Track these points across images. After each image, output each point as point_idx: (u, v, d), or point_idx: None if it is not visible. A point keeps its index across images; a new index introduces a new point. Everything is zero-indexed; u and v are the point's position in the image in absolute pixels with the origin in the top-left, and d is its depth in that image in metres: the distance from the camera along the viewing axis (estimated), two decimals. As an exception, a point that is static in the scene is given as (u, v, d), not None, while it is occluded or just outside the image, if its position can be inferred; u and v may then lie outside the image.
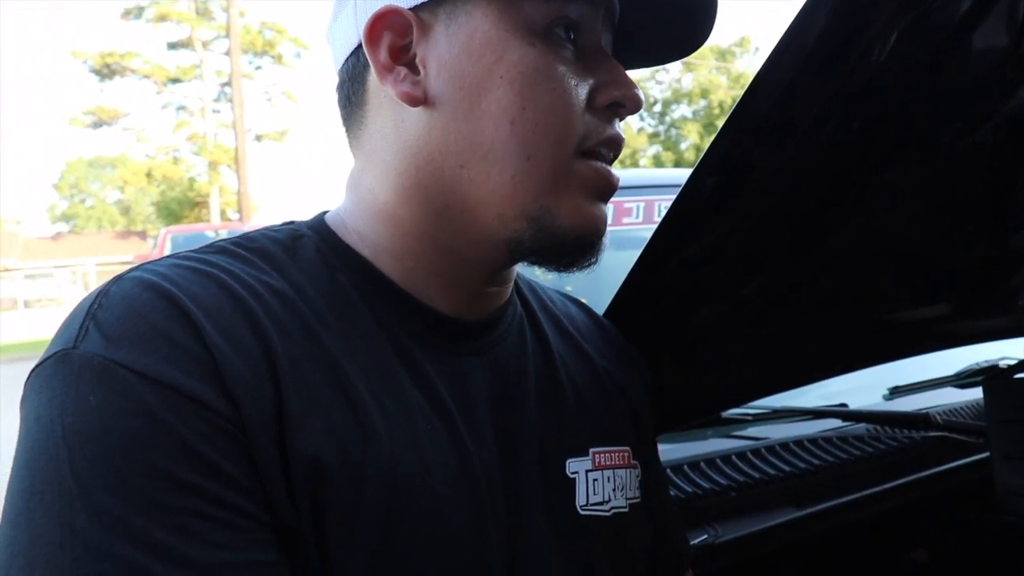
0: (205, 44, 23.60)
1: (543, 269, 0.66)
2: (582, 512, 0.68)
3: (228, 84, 21.26)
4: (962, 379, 1.74)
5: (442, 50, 0.61)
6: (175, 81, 23.84)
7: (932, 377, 1.76)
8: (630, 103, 0.63)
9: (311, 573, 0.52)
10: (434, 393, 0.62)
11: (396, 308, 0.63)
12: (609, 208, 0.67)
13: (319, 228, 0.66)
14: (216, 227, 14.21)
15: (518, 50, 0.60)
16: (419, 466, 0.57)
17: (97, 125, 24.42)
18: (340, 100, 0.69)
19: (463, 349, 0.66)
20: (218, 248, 0.60)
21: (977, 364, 1.77)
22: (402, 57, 0.63)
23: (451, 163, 0.61)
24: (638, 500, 0.74)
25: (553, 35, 0.61)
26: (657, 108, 24.79)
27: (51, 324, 22.46)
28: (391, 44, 0.62)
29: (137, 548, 0.45)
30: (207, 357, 0.51)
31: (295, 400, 0.53)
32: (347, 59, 0.67)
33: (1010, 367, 1.49)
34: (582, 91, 0.62)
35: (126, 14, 22.96)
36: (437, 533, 0.57)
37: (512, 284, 0.72)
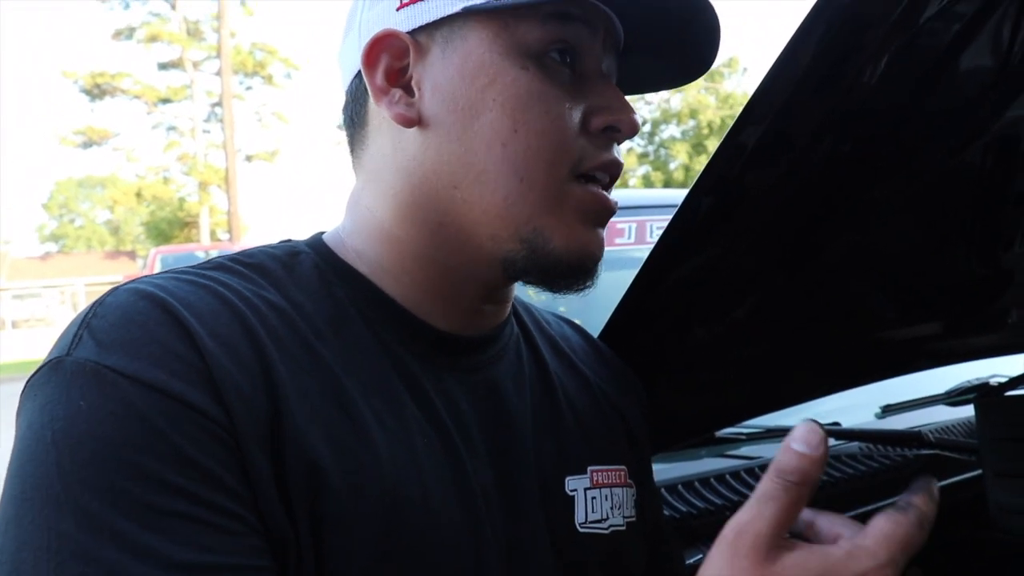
0: (196, 64, 23.66)
1: (538, 290, 0.66)
2: (581, 530, 0.69)
3: (219, 104, 21.31)
4: (953, 397, 1.74)
5: (437, 72, 0.62)
6: (165, 101, 23.88)
7: (924, 395, 1.76)
8: (625, 127, 0.64)
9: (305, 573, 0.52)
10: (431, 409, 0.62)
11: (394, 324, 0.64)
12: None
13: (317, 246, 0.67)
14: (206, 247, 14.19)
15: (511, 73, 0.60)
16: (417, 482, 0.57)
17: (87, 145, 24.41)
18: (345, 121, 0.70)
19: (460, 366, 0.66)
20: (216, 264, 0.61)
21: (968, 382, 1.77)
22: (399, 79, 0.63)
23: (445, 183, 0.62)
24: (634, 519, 0.74)
25: (548, 59, 0.61)
26: (646, 128, 24.91)
27: (39, 345, 22.32)
28: (388, 67, 0.63)
29: (122, 551, 0.45)
30: (200, 363, 0.51)
31: (292, 412, 0.53)
32: (352, 81, 0.68)
33: (1001, 385, 1.49)
34: (576, 115, 0.62)
35: (117, 34, 23.03)
36: (434, 549, 0.57)
37: (510, 303, 0.73)
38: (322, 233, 0.70)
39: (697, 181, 0.77)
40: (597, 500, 0.71)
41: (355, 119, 0.69)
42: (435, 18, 0.61)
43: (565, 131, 0.61)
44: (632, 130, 0.64)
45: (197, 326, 0.52)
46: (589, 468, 0.72)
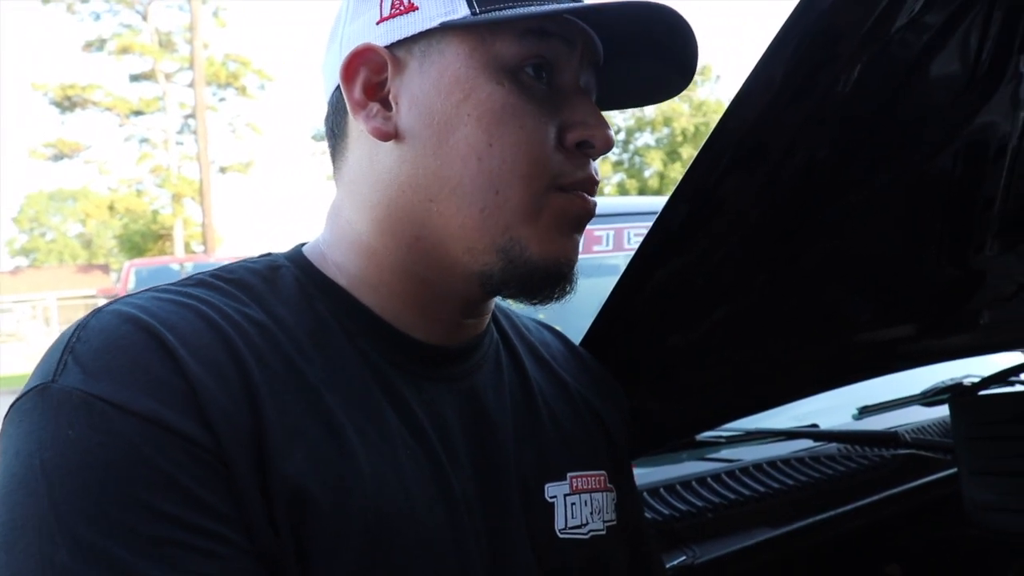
0: (168, 76, 23.48)
1: (517, 302, 0.67)
2: (561, 535, 0.69)
3: (192, 116, 21.17)
4: (928, 397, 1.78)
5: (414, 87, 0.63)
6: (138, 113, 23.65)
7: (899, 396, 1.79)
8: (599, 143, 0.64)
9: None
10: (413, 420, 0.63)
11: (374, 336, 0.64)
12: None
13: (297, 259, 0.67)
14: (181, 260, 14.05)
15: (486, 88, 0.61)
16: (401, 495, 0.58)
17: (58, 158, 24.13)
18: (327, 131, 0.71)
19: (441, 376, 0.67)
20: (197, 281, 0.61)
21: (943, 382, 1.80)
22: (377, 93, 0.64)
23: (421, 197, 0.63)
24: (615, 523, 0.75)
25: (524, 74, 0.62)
26: (620, 136, 25.01)
27: (10, 360, 22.02)
28: (366, 81, 0.64)
29: (114, 574, 0.46)
30: (186, 388, 0.51)
31: (275, 429, 0.54)
32: (333, 92, 0.69)
33: (974, 384, 1.52)
34: (551, 130, 0.63)
35: (87, 46, 22.81)
36: (419, 563, 0.58)
37: (490, 315, 0.73)
38: (302, 245, 0.71)
39: (676, 189, 0.78)
40: (576, 506, 0.72)
41: (335, 130, 0.69)
42: (413, 33, 0.62)
43: (540, 145, 0.62)
44: (606, 146, 0.64)
45: (181, 349, 0.53)
46: (568, 474, 0.72)
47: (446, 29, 0.61)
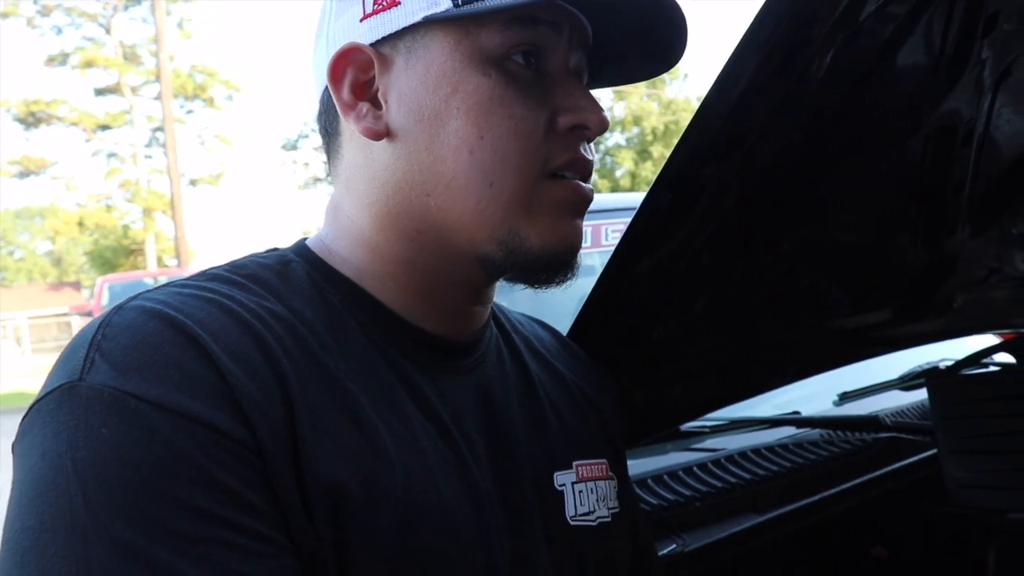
0: (134, 90, 23.28)
1: (519, 285, 0.67)
2: (572, 522, 0.70)
3: (160, 129, 20.98)
4: (907, 382, 1.80)
5: (402, 84, 0.63)
6: (104, 128, 23.42)
7: (878, 382, 1.82)
8: (593, 125, 0.64)
9: None
10: (432, 411, 0.63)
11: (386, 328, 0.64)
12: None
13: (304, 253, 0.67)
14: (154, 274, 13.94)
15: (473, 80, 0.61)
16: (429, 484, 0.58)
17: (24, 175, 23.84)
18: (320, 129, 0.71)
19: (452, 368, 0.67)
20: (212, 275, 0.60)
21: (920, 367, 1.84)
22: (366, 92, 0.64)
23: (418, 192, 0.63)
24: (618, 510, 0.76)
25: (511, 63, 0.62)
26: (590, 136, 25.09)
27: (-18, 382, 21.67)
28: (354, 80, 0.64)
29: (155, 574, 0.45)
30: (220, 383, 0.51)
31: (306, 423, 0.53)
32: (323, 91, 0.68)
33: (950, 367, 1.55)
34: (541, 116, 0.63)
35: (50, 60, 22.56)
36: (449, 547, 0.58)
37: (491, 305, 0.74)
38: (304, 240, 0.71)
39: (656, 178, 0.79)
40: (584, 493, 0.72)
41: (328, 128, 0.69)
42: (397, 28, 0.62)
43: (531, 134, 0.62)
44: (601, 127, 0.64)
45: (212, 344, 0.52)
46: (574, 463, 0.73)
47: (430, 23, 0.61)
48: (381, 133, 0.63)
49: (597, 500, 0.74)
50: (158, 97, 19.21)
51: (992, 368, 1.69)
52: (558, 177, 0.64)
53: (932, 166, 1.13)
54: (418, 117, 0.62)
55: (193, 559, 0.46)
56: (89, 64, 22.33)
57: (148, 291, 0.57)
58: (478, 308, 0.70)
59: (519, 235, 0.63)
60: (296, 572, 0.50)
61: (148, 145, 24.11)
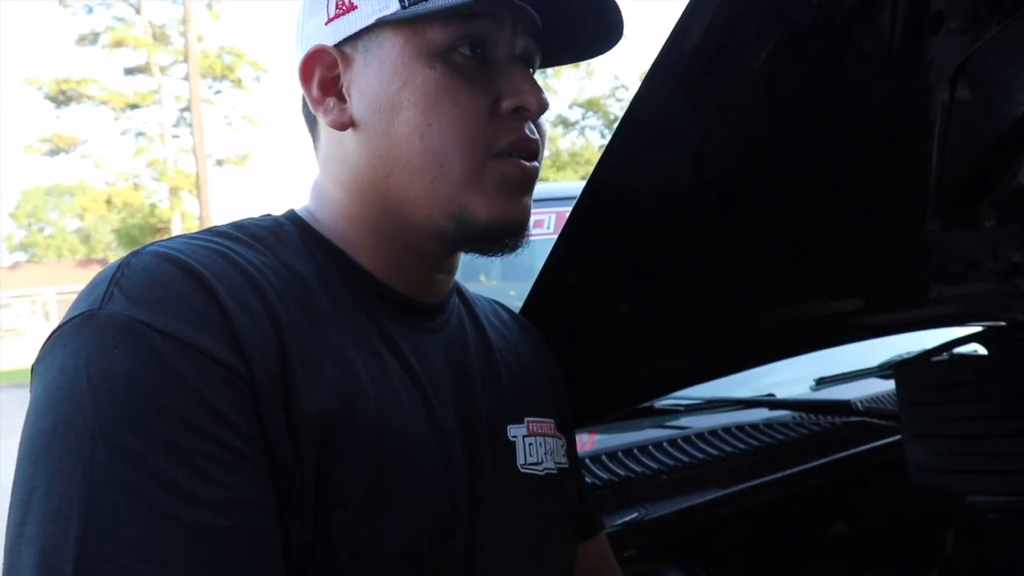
0: (163, 69, 23.45)
1: (476, 255, 0.75)
2: (521, 470, 0.78)
3: (187, 109, 21.15)
4: (883, 370, 1.85)
5: (361, 79, 0.71)
6: (133, 107, 23.64)
7: (856, 369, 1.86)
8: (532, 106, 0.71)
9: (306, 504, 0.59)
10: (405, 361, 0.71)
11: (366, 287, 0.73)
12: None
13: (295, 219, 0.75)
14: (177, 252, 14.04)
15: (420, 73, 0.68)
16: (400, 416, 0.66)
17: (54, 152, 24.15)
18: (304, 119, 0.79)
19: (423, 327, 0.76)
20: (217, 232, 0.68)
21: (899, 356, 1.88)
22: (333, 88, 0.73)
23: (381, 174, 0.71)
24: (565, 466, 0.84)
25: (456, 54, 0.69)
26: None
27: (10, 355, 22.09)
28: (322, 78, 0.73)
29: (152, 481, 0.51)
30: (222, 321, 0.58)
31: (296, 361, 0.61)
32: None
33: (917, 355, 1.59)
34: (485, 101, 0.70)
35: (81, 40, 22.79)
36: (415, 472, 0.66)
37: (455, 274, 0.82)
38: (293, 210, 0.79)
39: (600, 160, 0.85)
40: (533, 446, 0.80)
41: (308, 119, 0.78)
42: (355, 30, 0.70)
43: (475, 118, 0.69)
44: (539, 108, 0.71)
45: (217, 287, 0.59)
46: (526, 418, 0.82)
47: (382, 24, 0.69)
48: (346, 124, 0.72)
49: (545, 453, 0.81)
50: (186, 77, 19.38)
51: (960, 357, 1.73)
52: (503, 156, 0.71)
53: (890, 157, 1.17)
54: (376, 108, 0.70)
55: (184, 467, 0.53)
56: (119, 44, 22.52)
57: (161, 240, 0.64)
58: (442, 276, 0.78)
59: (468, 209, 0.70)
60: (268, 490, 0.57)
61: (176, 125, 24.32)
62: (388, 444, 0.64)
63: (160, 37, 22.95)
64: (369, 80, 0.70)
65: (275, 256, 0.68)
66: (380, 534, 0.62)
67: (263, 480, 0.57)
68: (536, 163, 0.74)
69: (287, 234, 0.72)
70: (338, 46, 0.71)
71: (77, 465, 0.51)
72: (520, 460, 0.79)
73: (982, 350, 1.65)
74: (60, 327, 0.58)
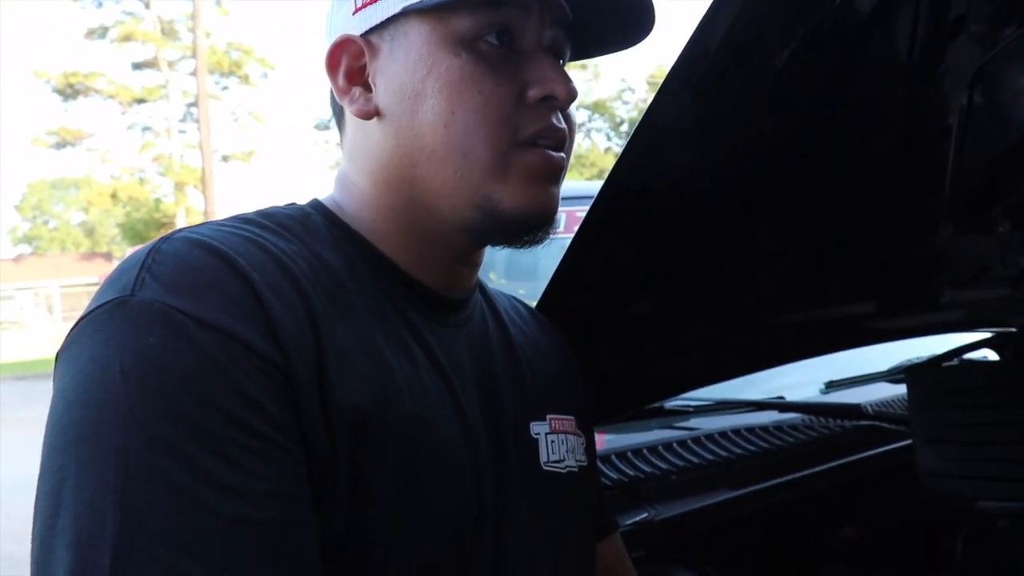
0: (171, 64, 23.49)
1: (503, 247, 0.74)
2: (544, 468, 0.78)
3: (194, 104, 21.19)
4: (894, 374, 1.84)
5: (387, 68, 0.70)
6: (140, 101, 23.67)
7: (867, 373, 1.86)
8: (561, 95, 0.70)
9: (339, 496, 0.58)
10: (432, 354, 0.71)
11: (392, 279, 0.72)
12: None
13: (320, 208, 0.75)
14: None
15: (445, 61, 0.68)
16: (429, 412, 0.66)
17: (60, 146, 24.20)
18: (332, 108, 0.79)
19: (447, 321, 0.75)
20: (245, 219, 0.67)
21: (910, 360, 1.87)
22: (359, 78, 0.72)
23: (406, 164, 0.71)
24: (585, 463, 0.84)
25: (482, 42, 0.68)
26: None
27: (12, 347, 22.11)
28: (348, 67, 0.72)
29: (184, 470, 0.51)
30: (258, 308, 0.57)
31: (332, 352, 0.60)
32: None
33: (929, 360, 1.59)
34: (511, 90, 0.69)
35: (90, 34, 22.84)
36: (445, 468, 0.65)
37: (479, 269, 0.81)
38: (318, 199, 0.78)
39: (619, 158, 0.84)
40: (556, 444, 0.80)
41: (335, 109, 0.78)
42: (382, 19, 0.69)
43: (500, 107, 0.68)
44: (569, 97, 0.70)
45: (253, 274, 0.58)
46: (548, 416, 0.81)
47: (408, 13, 0.69)
48: (371, 113, 0.71)
49: (567, 451, 0.81)
50: (194, 72, 19.42)
51: (971, 362, 1.73)
52: (529, 146, 0.71)
53: (906, 163, 1.17)
54: (400, 97, 0.69)
55: (215, 455, 0.52)
56: (127, 38, 22.57)
57: (190, 227, 0.64)
58: (467, 269, 0.78)
59: (492, 199, 0.69)
60: (303, 481, 0.56)
61: (183, 120, 24.34)
62: (420, 440, 0.64)
63: (168, 32, 22.98)
64: (395, 69, 0.70)
65: (304, 245, 0.67)
66: (411, 529, 0.62)
67: (299, 470, 0.56)
68: (563, 154, 0.73)
69: (314, 223, 0.71)
70: (365, 35, 0.71)
71: (110, 455, 0.51)
72: (543, 458, 0.78)
73: (993, 355, 1.64)
74: (89, 313, 0.57)
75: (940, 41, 0.97)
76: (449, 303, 0.76)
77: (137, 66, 23.70)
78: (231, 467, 0.52)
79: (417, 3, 0.68)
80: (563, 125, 0.72)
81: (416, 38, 0.69)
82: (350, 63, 0.72)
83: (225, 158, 24.44)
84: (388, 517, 0.60)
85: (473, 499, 0.68)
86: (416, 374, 0.67)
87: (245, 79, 24.01)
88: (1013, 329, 1.78)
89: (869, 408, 1.60)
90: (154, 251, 0.59)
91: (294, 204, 0.75)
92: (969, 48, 1.00)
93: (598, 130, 25.11)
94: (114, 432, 0.51)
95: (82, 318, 0.57)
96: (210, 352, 0.54)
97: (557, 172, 0.73)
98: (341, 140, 0.78)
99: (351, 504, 0.59)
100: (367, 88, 0.72)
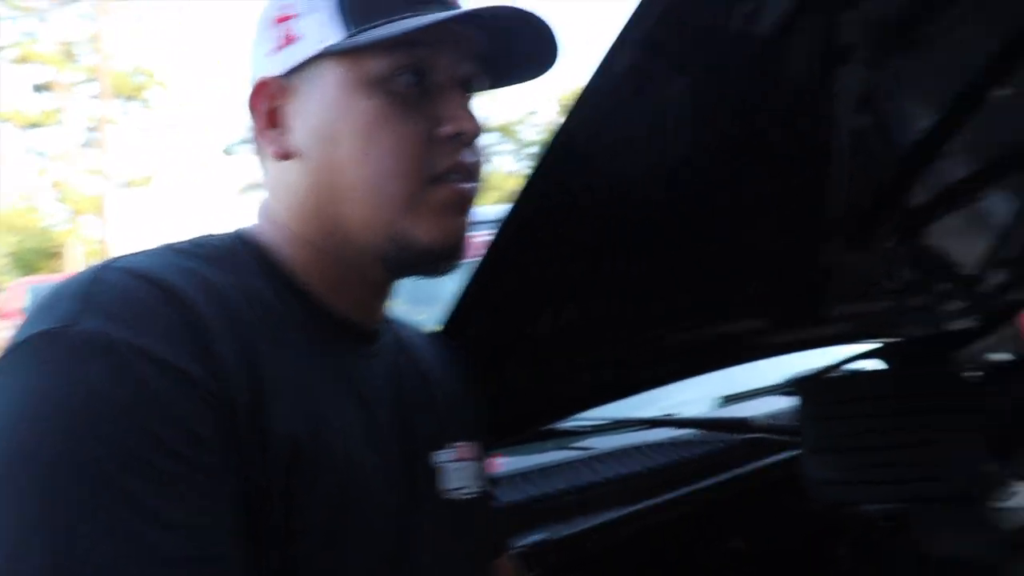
0: (70, 88, 22.69)
1: (419, 278, 0.76)
2: (452, 495, 0.79)
3: (94, 129, 20.51)
4: (785, 387, 1.89)
5: (304, 110, 0.71)
6: (35, 126, 22.76)
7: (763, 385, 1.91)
8: (467, 132, 0.72)
9: (274, 529, 0.59)
10: (353, 388, 0.72)
11: (313, 311, 0.72)
12: None
13: (247, 240, 0.74)
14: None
15: (359, 104, 0.69)
16: (355, 446, 0.68)
17: (-52, 172, 23.02)
18: (254, 143, 0.78)
19: (365, 352, 0.76)
20: (176, 249, 0.67)
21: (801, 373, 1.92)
22: (277, 119, 0.73)
23: (324, 201, 0.71)
24: (484, 490, 0.86)
25: (396, 82, 0.69)
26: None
27: None
28: (268, 109, 0.73)
29: (127, 505, 0.50)
30: (198, 339, 0.57)
31: (269, 383, 0.61)
32: None
33: (817, 371, 1.63)
34: (425, 127, 0.70)
35: (-18, 56, 21.88)
36: (370, 502, 0.67)
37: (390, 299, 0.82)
38: (241, 230, 0.77)
39: (525, 184, 0.86)
40: (459, 471, 0.81)
41: (257, 143, 0.77)
42: (298, 62, 0.70)
43: (413, 146, 0.70)
44: (472, 133, 0.72)
45: (195, 306, 0.59)
46: (457, 443, 0.83)
47: (324, 55, 0.69)
48: (289, 154, 0.72)
49: (470, 478, 0.83)
50: (96, 96, 18.81)
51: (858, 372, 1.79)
52: (441, 181, 0.72)
53: (798, 183, 1.20)
54: (316, 139, 0.71)
55: (156, 487, 0.52)
56: (25, 60, 21.71)
57: (123, 256, 0.63)
58: (382, 302, 0.80)
59: (407, 234, 0.71)
60: (243, 512, 0.56)
61: (81, 145, 23.48)
62: (346, 475, 0.65)
63: (68, 55, 22.21)
64: (310, 111, 0.71)
65: (236, 276, 0.67)
66: (340, 564, 0.63)
67: (237, 505, 0.56)
68: (474, 183, 0.75)
69: (240, 255, 0.71)
70: (283, 76, 0.71)
71: (47, 493, 0.50)
72: (452, 485, 0.80)
73: (881, 364, 1.70)
74: (17, 345, 0.55)
75: (831, 66, 1.01)
76: (367, 334, 0.77)
77: (37, 88, 22.79)
78: (171, 501, 0.52)
79: (333, 45, 0.68)
80: (474, 157, 0.74)
81: (331, 80, 0.70)
82: (268, 104, 0.72)
83: (124, 184, 23.65)
84: (319, 551, 0.61)
85: (392, 532, 0.69)
86: (343, 407, 0.69)
87: (145, 103, 23.34)
88: (899, 339, 1.84)
89: (756, 421, 1.64)
90: (91, 282, 0.58)
91: (221, 234, 0.75)
92: (857, 73, 1.04)
93: (503, 153, 25.33)
94: (44, 469, 0.50)
95: (9, 349, 0.56)
96: (151, 383, 0.54)
97: (468, 203, 0.75)
98: (263, 171, 0.78)
99: (285, 538, 0.59)
100: (284, 129, 0.72)
